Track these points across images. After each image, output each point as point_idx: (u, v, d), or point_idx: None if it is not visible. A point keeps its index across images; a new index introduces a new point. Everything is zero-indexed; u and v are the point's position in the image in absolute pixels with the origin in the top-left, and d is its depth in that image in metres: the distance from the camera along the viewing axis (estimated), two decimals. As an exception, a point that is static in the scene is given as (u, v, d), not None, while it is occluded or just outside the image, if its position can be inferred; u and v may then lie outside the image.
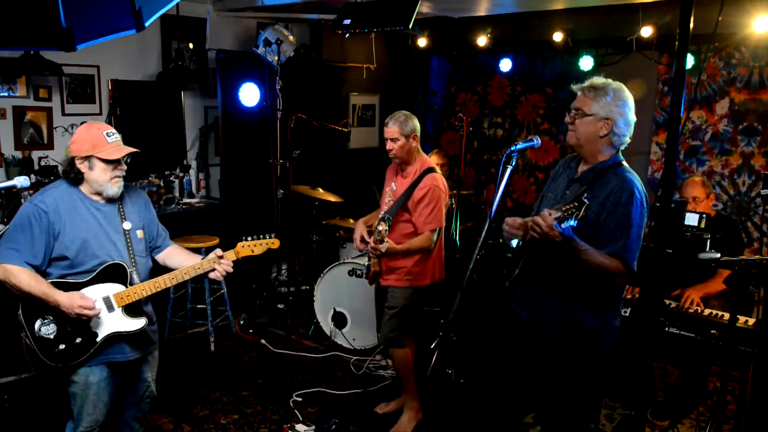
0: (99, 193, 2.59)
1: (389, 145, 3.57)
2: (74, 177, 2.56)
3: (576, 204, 2.20)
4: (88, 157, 2.52)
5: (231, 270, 2.71)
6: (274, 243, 2.78)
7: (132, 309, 2.60)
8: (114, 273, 2.57)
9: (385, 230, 3.35)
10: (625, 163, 2.49)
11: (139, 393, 2.82)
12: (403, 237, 3.57)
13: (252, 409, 3.87)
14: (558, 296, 2.49)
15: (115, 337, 2.57)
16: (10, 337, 2.61)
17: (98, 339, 2.53)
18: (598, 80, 2.48)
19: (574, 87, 2.53)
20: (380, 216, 3.60)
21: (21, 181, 2.54)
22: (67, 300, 2.44)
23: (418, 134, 3.60)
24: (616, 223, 2.34)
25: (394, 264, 3.59)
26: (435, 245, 3.59)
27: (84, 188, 2.58)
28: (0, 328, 3.42)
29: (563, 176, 2.64)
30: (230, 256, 2.72)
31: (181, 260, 2.83)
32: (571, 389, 2.54)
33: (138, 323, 2.60)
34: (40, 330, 2.50)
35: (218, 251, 2.70)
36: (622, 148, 2.49)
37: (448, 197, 3.66)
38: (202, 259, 2.73)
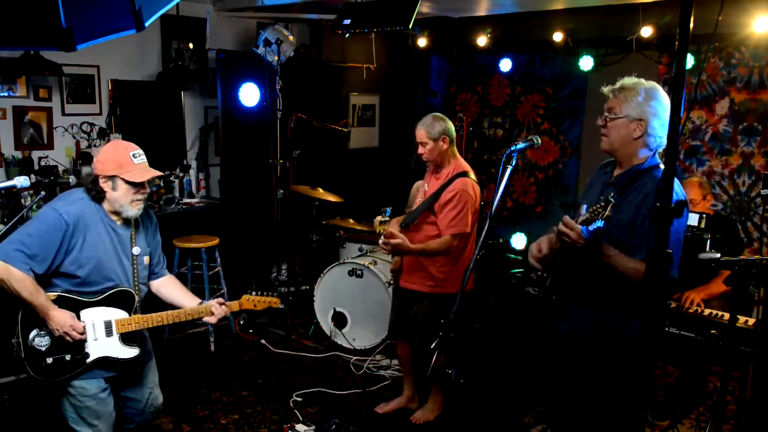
0: (117, 213, 2.57)
1: (420, 149, 3.51)
2: (95, 195, 2.53)
3: (603, 204, 2.12)
4: (112, 177, 2.49)
5: (227, 314, 2.81)
6: (276, 302, 2.85)
7: (128, 337, 2.59)
8: (122, 299, 2.56)
9: (380, 221, 3.32)
10: (662, 165, 2.37)
11: (142, 400, 2.81)
12: (428, 239, 3.49)
13: (252, 409, 3.87)
14: (594, 306, 2.42)
15: (106, 359, 2.57)
16: (9, 337, 2.60)
17: (88, 360, 2.53)
18: (628, 80, 2.40)
19: (605, 89, 2.44)
20: (382, 209, 3.59)
21: (21, 181, 2.54)
22: (58, 317, 2.43)
23: (450, 136, 3.50)
24: (650, 228, 2.18)
25: (417, 266, 3.54)
26: (463, 251, 3.51)
27: (105, 205, 2.56)
28: (0, 328, 3.42)
29: (598, 183, 2.55)
30: (233, 306, 2.79)
31: (173, 293, 2.81)
32: (603, 399, 2.46)
33: (131, 352, 2.59)
34: (33, 340, 2.48)
35: (220, 300, 2.75)
36: (660, 150, 2.38)
37: (478, 203, 3.54)
38: (201, 303, 2.74)
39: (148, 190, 2.60)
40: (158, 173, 2.57)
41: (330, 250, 5.43)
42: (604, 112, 2.41)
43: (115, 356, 2.56)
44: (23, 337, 2.48)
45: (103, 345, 2.54)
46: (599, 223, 2.12)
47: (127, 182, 2.50)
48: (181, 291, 2.84)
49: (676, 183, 2.34)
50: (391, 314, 3.88)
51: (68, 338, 2.45)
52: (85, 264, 2.50)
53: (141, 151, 2.56)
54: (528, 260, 2.56)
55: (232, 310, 2.79)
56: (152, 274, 2.81)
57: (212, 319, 2.71)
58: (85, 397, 2.55)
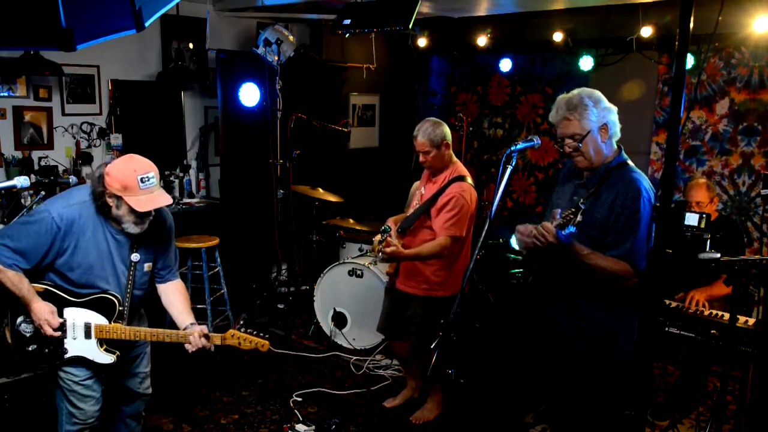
0: (120, 223, 2.52)
1: (422, 158, 3.47)
2: (101, 206, 2.46)
3: (573, 210, 2.22)
4: (117, 195, 2.42)
5: (208, 347, 2.59)
6: (264, 346, 2.60)
7: (109, 342, 2.59)
8: (103, 305, 2.55)
9: (379, 241, 3.38)
10: (630, 162, 2.48)
11: (132, 389, 2.82)
12: (424, 243, 3.48)
13: (252, 409, 3.87)
14: (575, 302, 2.48)
15: (83, 359, 2.57)
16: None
17: (65, 356, 2.55)
18: (567, 97, 2.47)
19: (551, 119, 2.51)
20: (382, 228, 3.59)
21: (21, 181, 2.54)
22: (38, 309, 2.46)
23: (450, 140, 3.48)
24: (623, 225, 2.34)
25: (413, 270, 3.54)
26: (458, 256, 3.50)
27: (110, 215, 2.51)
28: None
29: (570, 182, 2.62)
30: (215, 340, 2.58)
31: (171, 304, 2.73)
32: (594, 396, 2.51)
33: (107, 359, 2.58)
34: (20, 325, 2.53)
35: (204, 329, 2.58)
36: (618, 137, 2.49)
37: (474, 208, 3.51)
38: (189, 326, 2.60)
39: (152, 217, 2.51)
40: (165, 202, 2.46)
41: (330, 250, 5.43)
42: (566, 139, 2.46)
43: (91, 359, 2.57)
44: (12, 321, 2.53)
45: (80, 345, 2.55)
46: (571, 229, 2.22)
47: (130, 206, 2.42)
48: (179, 304, 2.72)
49: (645, 179, 2.42)
50: (382, 314, 3.85)
51: (43, 331, 2.48)
52: (75, 268, 2.50)
53: (152, 173, 2.43)
54: (514, 235, 2.60)
55: (213, 343, 2.57)
56: (158, 278, 2.76)
57: (189, 348, 2.57)
58: (72, 382, 2.59)
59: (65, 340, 2.54)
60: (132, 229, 2.49)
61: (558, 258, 2.42)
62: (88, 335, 2.55)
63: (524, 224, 2.54)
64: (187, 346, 2.57)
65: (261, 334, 2.61)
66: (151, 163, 2.48)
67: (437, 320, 3.57)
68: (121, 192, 2.39)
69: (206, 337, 2.56)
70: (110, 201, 2.44)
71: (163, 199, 2.46)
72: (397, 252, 3.37)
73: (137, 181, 2.39)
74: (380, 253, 3.41)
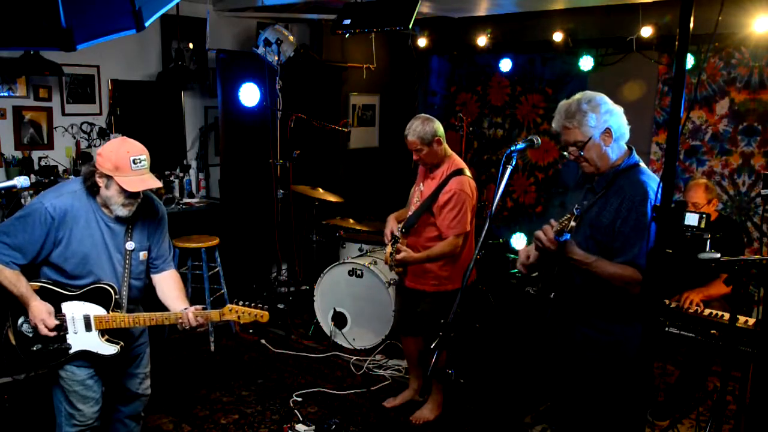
0: (109, 209, 2.55)
1: (415, 156, 3.48)
2: (91, 186, 2.50)
3: (568, 216, 2.18)
4: (107, 176, 2.45)
5: (204, 325, 2.61)
6: (264, 317, 2.61)
7: (111, 333, 2.59)
8: (100, 295, 2.55)
9: (391, 252, 3.43)
10: (642, 164, 2.42)
11: (131, 389, 2.82)
12: (429, 241, 3.51)
13: (252, 409, 3.87)
14: (588, 314, 2.43)
15: (88, 353, 2.57)
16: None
17: (70, 352, 2.55)
18: (567, 104, 2.41)
19: (554, 125, 2.46)
20: (391, 236, 3.59)
21: (21, 181, 2.53)
22: (35, 308, 2.46)
23: (441, 135, 3.47)
24: (630, 229, 2.26)
25: (421, 267, 3.55)
26: (463, 249, 3.51)
27: (98, 199, 2.54)
28: None
29: (583, 187, 2.58)
30: (214, 316, 2.59)
31: (164, 292, 2.74)
32: (602, 403, 2.48)
33: (111, 349, 2.59)
34: (21, 326, 2.53)
35: (198, 308, 2.60)
36: (626, 139, 2.43)
37: (475, 200, 3.53)
38: (185, 309, 2.61)
39: (140, 199, 2.53)
40: (154, 185, 2.48)
41: (330, 250, 5.43)
42: (569, 147, 2.42)
43: (95, 351, 2.57)
44: (13, 323, 2.53)
45: (83, 339, 2.55)
46: (566, 236, 2.18)
47: (121, 186, 2.45)
48: (172, 292, 2.74)
49: (654, 180, 2.36)
50: (395, 312, 3.91)
51: (39, 330, 2.48)
52: (70, 258, 2.50)
53: (144, 156, 2.47)
54: (516, 265, 2.59)
55: (212, 319, 2.59)
56: (152, 268, 2.77)
57: (188, 326, 2.58)
58: (74, 382, 2.59)
59: (67, 336, 2.54)
60: (120, 211, 2.51)
61: (567, 266, 2.37)
62: (88, 327, 2.55)
63: (523, 249, 2.55)
64: (180, 325, 2.58)
65: (260, 306, 2.62)
66: (143, 146, 2.52)
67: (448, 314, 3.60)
68: (112, 172, 2.42)
69: (201, 314, 2.56)
70: (100, 181, 2.47)
71: (153, 182, 2.49)
72: (408, 257, 3.41)
73: (129, 162, 2.42)
74: (393, 262, 3.44)
